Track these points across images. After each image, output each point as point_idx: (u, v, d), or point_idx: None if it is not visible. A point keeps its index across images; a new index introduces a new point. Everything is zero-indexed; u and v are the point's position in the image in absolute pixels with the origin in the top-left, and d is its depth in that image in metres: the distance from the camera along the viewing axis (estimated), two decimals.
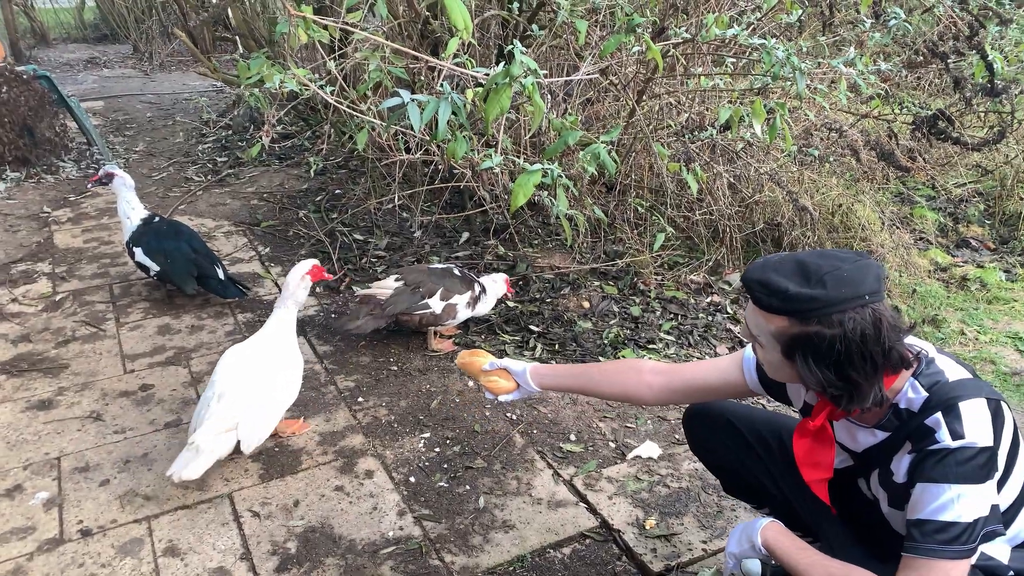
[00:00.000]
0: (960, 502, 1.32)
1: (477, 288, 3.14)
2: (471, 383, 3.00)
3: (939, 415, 1.36)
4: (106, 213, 4.68)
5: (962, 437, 1.33)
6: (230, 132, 6.30)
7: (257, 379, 2.40)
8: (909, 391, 1.42)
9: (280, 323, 2.55)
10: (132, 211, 3.59)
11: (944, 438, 1.34)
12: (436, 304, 3.05)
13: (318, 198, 4.82)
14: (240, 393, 2.35)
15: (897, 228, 4.04)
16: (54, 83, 5.63)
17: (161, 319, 3.45)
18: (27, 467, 2.49)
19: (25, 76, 5.35)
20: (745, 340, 1.58)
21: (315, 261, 2.69)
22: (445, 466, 2.55)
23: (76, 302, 3.60)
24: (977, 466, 1.33)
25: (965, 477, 1.32)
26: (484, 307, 3.20)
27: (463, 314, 3.12)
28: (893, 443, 1.45)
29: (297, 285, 2.57)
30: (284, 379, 2.49)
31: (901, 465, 1.43)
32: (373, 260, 3.99)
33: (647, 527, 2.28)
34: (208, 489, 2.41)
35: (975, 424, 1.34)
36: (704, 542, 2.23)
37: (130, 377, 3.00)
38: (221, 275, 3.49)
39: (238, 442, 2.32)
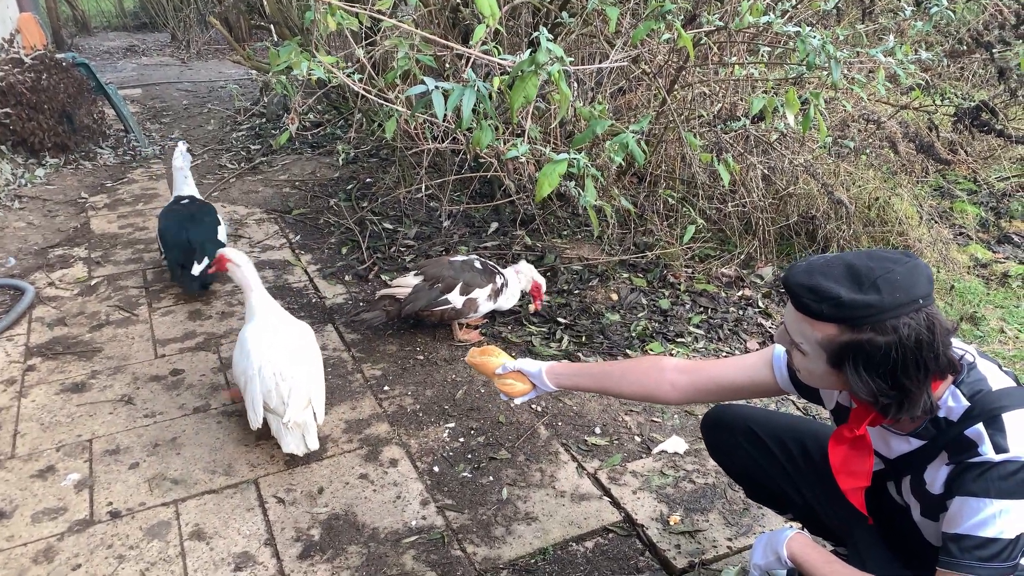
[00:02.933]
0: (1002, 518, 1.26)
1: (499, 280, 3.11)
2: None
3: (981, 427, 1.30)
4: (141, 199, 4.75)
5: (1006, 451, 1.27)
6: (263, 120, 6.35)
7: (307, 357, 2.50)
8: (949, 399, 1.35)
9: (270, 303, 2.65)
10: (176, 187, 3.83)
11: (987, 451, 1.28)
12: (456, 299, 3.04)
13: (349, 186, 4.84)
14: (305, 372, 2.43)
15: (936, 222, 3.94)
16: (92, 71, 5.72)
17: (192, 305, 3.49)
18: (60, 448, 2.54)
19: (64, 64, 5.44)
20: (783, 345, 1.52)
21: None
22: (469, 456, 2.54)
23: (110, 287, 3.65)
24: (1021, 481, 1.26)
25: (1008, 492, 1.26)
26: (507, 300, 3.18)
27: (484, 307, 3.10)
28: (928, 452, 1.39)
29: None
30: (316, 352, 2.57)
31: (938, 476, 1.37)
32: (402, 249, 4.00)
33: (671, 523, 2.26)
34: (234, 474, 2.43)
35: (1020, 437, 1.28)
36: (729, 539, 2.20)
37: (161, 362, 3.04)
38: (196, 271, 3.44)
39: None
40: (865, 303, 1.26)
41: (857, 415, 1.45)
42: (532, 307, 3.28)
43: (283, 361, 2.41)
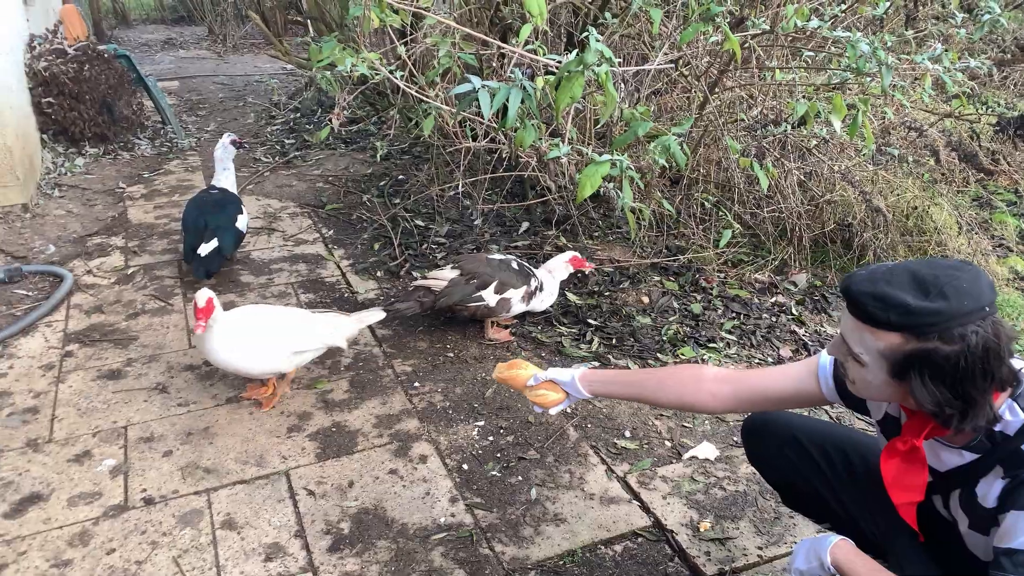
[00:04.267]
0: None
1: (534, 283, 3.11)
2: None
3: None
4: (177, 191, 4.81)
5: None
6: (298, 115, 6.40)
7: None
8: (1007, 413, 1.32)
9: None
10: (214, 178, 3.88)
11: None
12: (490, 297, 3.03)
13: (382, 183, 4.86)
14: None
15: (975, 233, 3.87)
16: (133, 62, 5.81)
17: (226, 296, 3.52)
18: (96, 434, 2.58)
19: (106, 55, 5.53)
20: (838, 356, 1.49)
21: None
22: (498, 455, 2.54)
23: (146, 276, 3.70)
24: None
25: None
26: (541, 303, 3.17)
27: (517, 308, 3.10)
28: (982, 466, 1.36)
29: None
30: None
31: (992, 490, 1.34)
32: (433, 246, 4.01)
33: (701, 529, 2.24)
34: (266, 465, 2.45)
35: None
36: (760, 548, 2.17)
37: (194, 352, 3.08)
38: (203, 252, 3.46)
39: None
40: (933, 310, 1.24)
41: (912, 426, 1.41)
42: (588, 271, 3.27)
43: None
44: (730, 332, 3.27)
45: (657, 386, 1.79)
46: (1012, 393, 1.33)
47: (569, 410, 2.77)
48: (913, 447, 1.42)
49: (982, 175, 4.36)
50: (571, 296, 3.48)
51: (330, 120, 2.46)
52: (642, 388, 1.81)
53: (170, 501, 2.30)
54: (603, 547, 2.19)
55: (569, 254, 3.22)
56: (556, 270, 3.19)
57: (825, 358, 1.64)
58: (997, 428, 1.33)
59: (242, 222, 3.69)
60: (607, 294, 3.53)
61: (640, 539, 2.22)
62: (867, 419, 1.70)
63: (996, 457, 1.33)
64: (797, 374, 1.67)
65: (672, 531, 2.23)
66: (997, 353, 1.24)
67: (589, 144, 3.55)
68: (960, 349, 1.23)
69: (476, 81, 1.67)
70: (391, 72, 2.16)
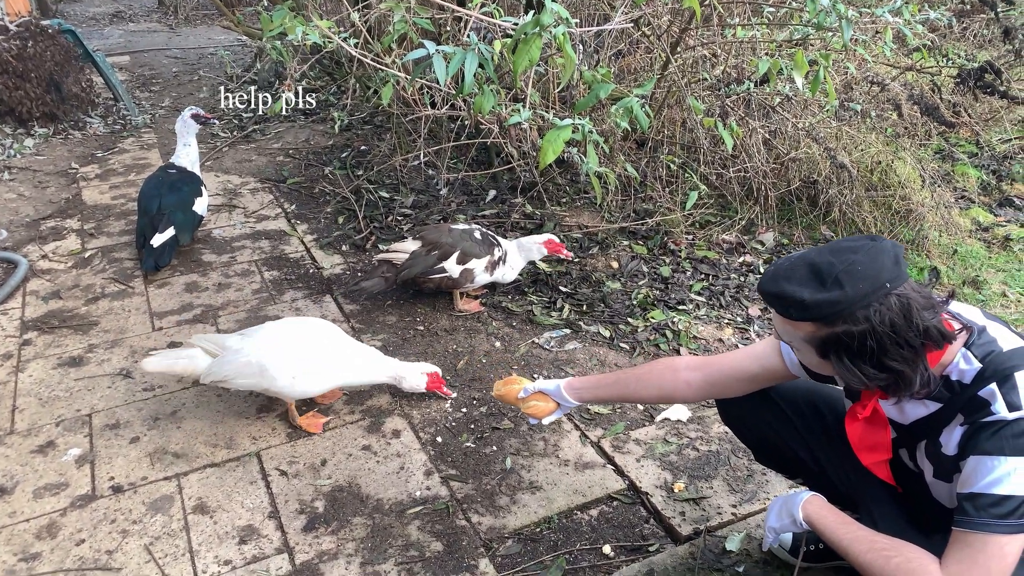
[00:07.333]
0: (1016, 475, 1.27)
1: (497, 253, 3.07)
2: (498, 344, 2.97)
3: (994, 386, 1.31)
4: (133, 169, 4.68)
5: (1019, 408, 1.28)
6: (255, 87, 6.24)
7: None
8: (961, 362, 1.36)
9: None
10: (175, 155, 3.75)
11: (1000, 410, 1.29)
12: (453, 268, 3.00)
13: (343, 154, 4.77)
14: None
15: (938, 186, 3.91)
16: (80, 37, 5.60)
17: (189, 276, 3.45)
18: (59, 423, 2.52)
19: (51, 30, 5.32)
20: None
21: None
22: (472, 427, 2.53)
23: (105, 259, 3.61)
24: None
25: (1022, 449, 1.27)
26: (506, 275, 3.13)
27: (481, 278, 3.06)
28: (945, 415, 1.40)
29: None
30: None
31: (952, 437, 1.38)
32: (399, 218, 3.95)
33: (676, 490, 2.25)
34: (236, 447, 2.42)
35: None
36: (734, 506, 2.20)
37: (158, 335, 3.01)
38: (155, 242, 3.36)
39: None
40: (831, 300, 1.30)
41: (868, 391, 1.46)
42: (565, 257, 3.22)
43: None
44: (699, 294, 3.28)
45: (637, 383, 1.85)
46: (966, 342, 1.37)
47: (542, 379, 2.76)
48: (873, 410, 1.46)
49: (944, 128, 4.39)
50: (541, 264, 3.46)
51: (283, 91, 2.38)
52: (624, 387, 1.87)
53: (139, 488, 2.26)
54: (579, 512, 2.20)
55: (545, 236, 3.16)
56: (527, 249, 3.13)
57: None
58: (954, 377, 1.38)
59: (200, 205, 3.58)
60: (576, 261, 3.52)
61: (615, 502, 2.23)
62: (834, 386, 1.74)
63: (957, 405, 1.37)
64: (762, 352, 1.71)
65: (647, 493, 2.24)
66: (908, 325, 1.29)
67: (553, 108, 3.50)
68: (867, 329, 1.29)
69: (431, 46, 1.62)
70: (344, 40, 2.09)
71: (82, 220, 4.01)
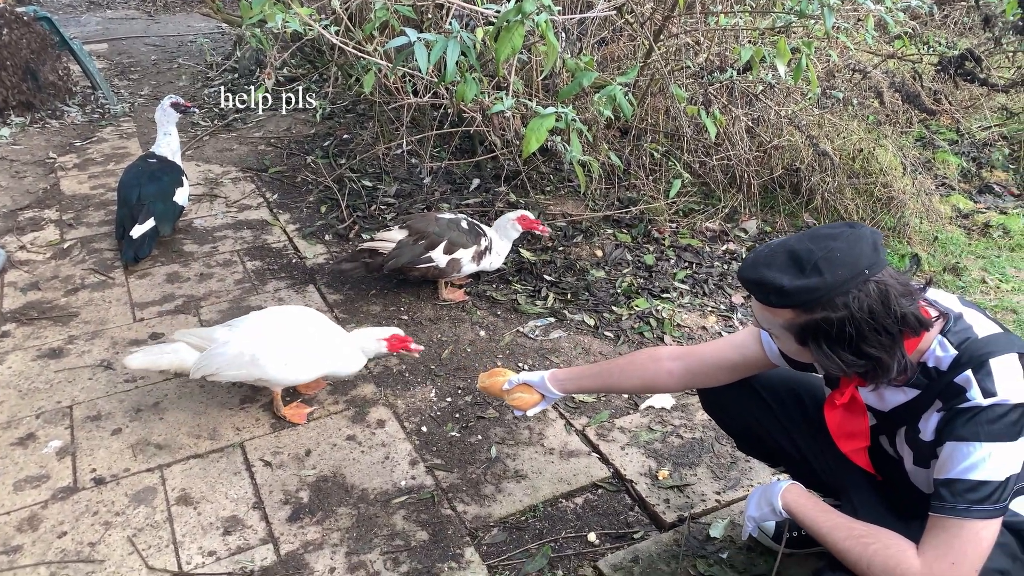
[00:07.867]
0: (991, 460, 1.29)
1: (484, 242, 3.06)
2: (482, 332, 2.97)
3: (969, 372, 1.32)
4: (112, 159, 4.62)
5: (994, 394, 1.30)
6: (236, 75, 6.17)
7: None
8: (937, 349, 1.38)
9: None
10: (155, 143, 3.70)
11: (975, 396, 1.31)
12: (440, 258, 2.98)
13: (326, 143, 4.73)
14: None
15: (919, 173, 3.93)
16: (56, 25, 5.51)
17: (170, 267, 3.42)
18: (39, 416, 2.50)
19: (26, 18, 5.23)
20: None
21: None
22: (457, 416, 2.53)
23: (84, 249, 3.57)
24: (1009, 423, 1.29)
25: (997, 435, 1.29)
26: (492, 263, 3.12)
27: (468, 268, 3.05)
28: (923, 401, 1.41)
29: None
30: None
31: (929, 424, 1.39)
32: (382, 207, 3.93)
33: (660, 478, 2.27)
34: (220, 438, 2.40)
35: (1007, 381, 1.30)
36: (718, 493, 2.21)
37: (140, 326, 2.99)
38: (135, 233, 3.33)
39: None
40: (810, 287, 1.30)
41: (846, 379, 1.48)
42: (543, 235, 3.20)
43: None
44: (683, 282, 3.29)
45: (620, 374, 1.86)
46: (942, 329, 1.38)
47: (526, 367, 2.76)
48: (852, 398, 1.47)
49: (925, 115, 4.42)
50: (525, 253, 3.46)
51: (263, 80, 2.36)
52: (608, 378, 1.88)
53: (122, 480, 2.24)
54: (564, 500, 2.20)
55: (517, 213, 3.13)
56: (503, 229, 3.12)
57: None
58: (931, 364, 1.39)
59: (181, 195, 3.54)
60: (560, 249, 3.52)
61: (600, 490, 2.24)
62: (815, 375, 1.75)
63: (934, 392, 1.39)
64: (743, 341, 1.72)
65: (631, 481, 2.26)
66: (886, 311, 1.30)
67: (536, 97, 3.49)
68: (845, 315, 1.30)
69: (412, 34, 1.61)
70: (325, 27, 2.07)
71: (61, 210, 3.96)
